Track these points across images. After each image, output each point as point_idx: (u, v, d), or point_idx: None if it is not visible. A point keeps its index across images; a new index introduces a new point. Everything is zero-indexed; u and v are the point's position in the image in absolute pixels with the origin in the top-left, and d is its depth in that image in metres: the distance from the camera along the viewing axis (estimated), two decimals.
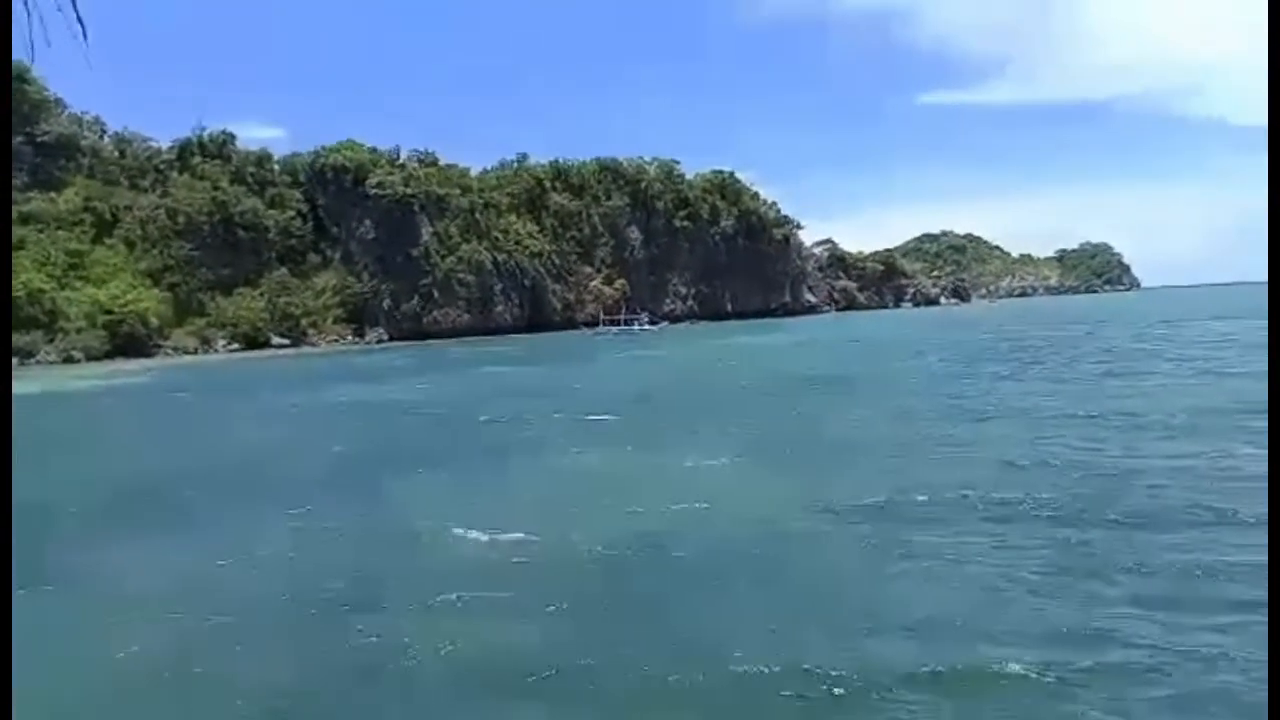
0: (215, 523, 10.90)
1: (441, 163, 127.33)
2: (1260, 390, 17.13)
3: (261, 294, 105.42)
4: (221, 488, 13.63)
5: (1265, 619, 5.74)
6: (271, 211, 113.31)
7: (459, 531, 9.37)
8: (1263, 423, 13.04)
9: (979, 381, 23.27)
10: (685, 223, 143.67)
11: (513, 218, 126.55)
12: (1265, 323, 44.04)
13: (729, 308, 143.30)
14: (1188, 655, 5.62)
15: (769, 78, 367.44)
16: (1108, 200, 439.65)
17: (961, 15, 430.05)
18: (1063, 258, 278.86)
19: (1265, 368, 21.35)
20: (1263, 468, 10.28)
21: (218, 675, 5.94)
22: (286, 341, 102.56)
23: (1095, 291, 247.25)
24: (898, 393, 21.92)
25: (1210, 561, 7.16)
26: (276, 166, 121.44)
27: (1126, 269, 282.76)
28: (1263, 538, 7.45)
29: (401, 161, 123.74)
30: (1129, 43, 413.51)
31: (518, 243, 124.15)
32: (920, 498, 9.94)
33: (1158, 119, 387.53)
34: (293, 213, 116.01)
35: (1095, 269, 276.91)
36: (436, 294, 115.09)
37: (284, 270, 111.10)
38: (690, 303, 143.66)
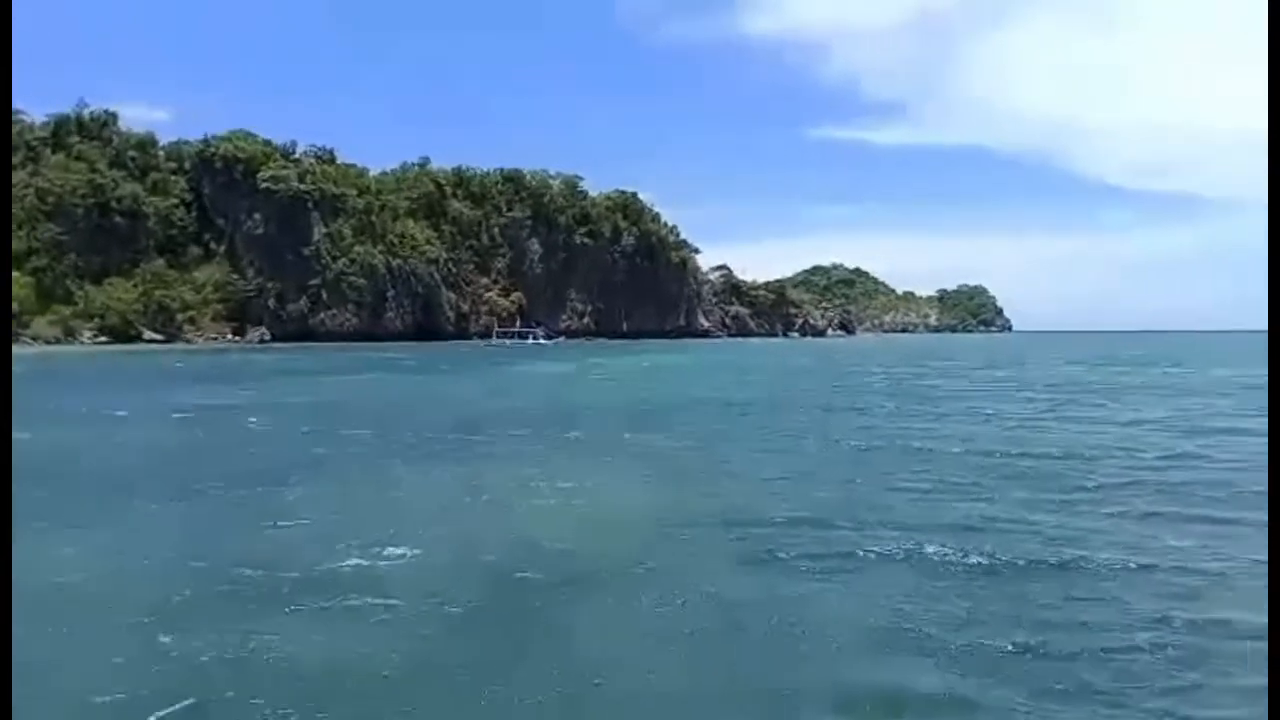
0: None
1: (339, 161, 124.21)
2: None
3: (135, 285, 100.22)
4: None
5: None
6: (152, 198, 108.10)
7: (295, 552, 9.14)
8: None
9: (869, 412, 24.19)
10: (586, 239, 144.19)
11: (410, 222, 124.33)
12: (1096, 369, 47.48)
13: (624, 327, 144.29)
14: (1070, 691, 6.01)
15: (674, 101, 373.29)
16: (986, 245, 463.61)
17: (865, 56, 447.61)
18: (943, 297, 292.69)
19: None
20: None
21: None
22: (159, 337, 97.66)
23: (971, 331, 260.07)
24: (793, 418, 22.57)
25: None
26: (161, 152, 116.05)
27: (1000, 311, 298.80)
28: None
29: (297, 156, 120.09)
30: (1017, 97, 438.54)
31: (414, 248, 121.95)
32: (796, 515, 10.26)
33: (1038, 171, 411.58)
34: (175, 201, 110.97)
35: (972, 310, 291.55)
36: (325, 295, 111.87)
37: (162, 261, 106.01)
38: (586, 320, 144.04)
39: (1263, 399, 29.42)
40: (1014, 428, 21.31)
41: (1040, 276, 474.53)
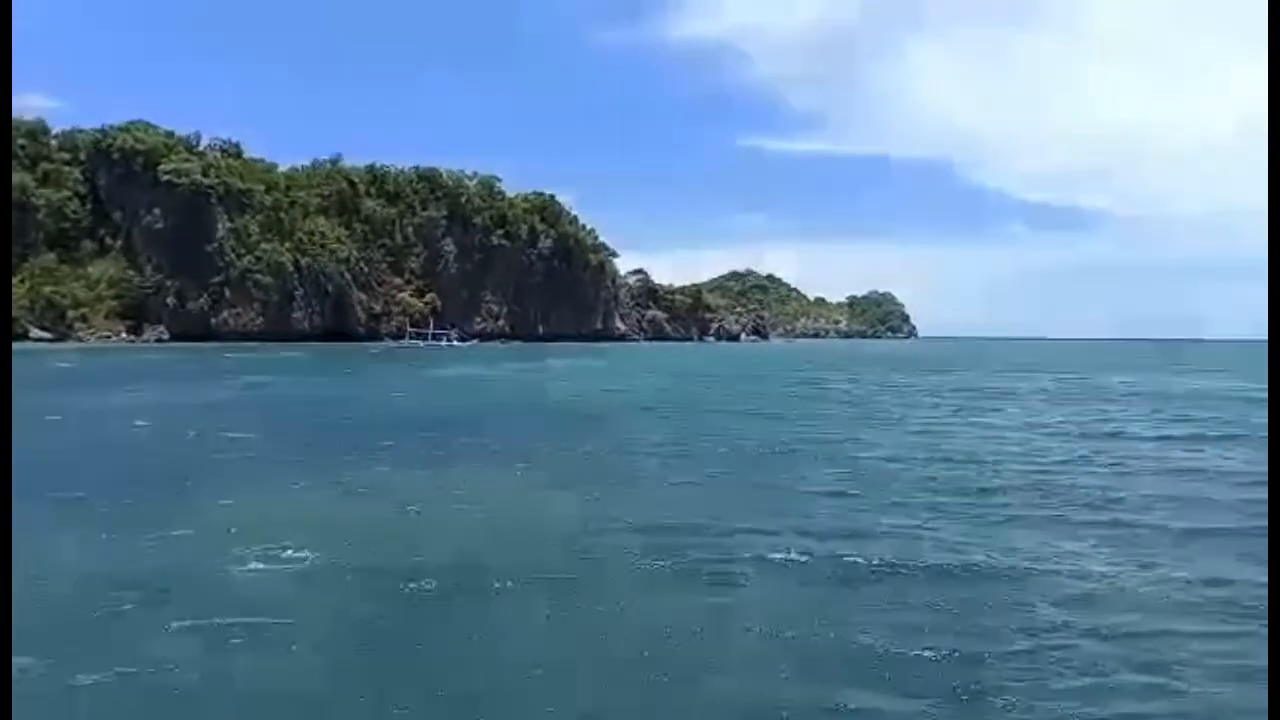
0: None
1: (246, 155, 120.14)
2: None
3: (23, 281, 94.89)
4: None
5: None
6: (43, 190, 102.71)
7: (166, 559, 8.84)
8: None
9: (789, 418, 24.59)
10: (503, 241, 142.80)
11: (321, 220, 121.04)
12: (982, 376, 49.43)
13: (540, 330, 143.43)
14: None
15: (594, 103, 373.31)
16: (894, 253, 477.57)
17: (786, 65, 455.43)
18: (853, 304, 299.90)
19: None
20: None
21: None
22: (48, 335, 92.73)
23: (879, 337, 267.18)
24: (703, 422, 22.76)
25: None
26: (53, 141, 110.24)
27: (906, 318, 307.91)
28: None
29: (201, 149, 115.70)
30: (925, 109, 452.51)
31: (324, 246, 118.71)
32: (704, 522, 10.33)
33: (943, 182, 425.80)
34: (68, 193, 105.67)
35: (880, 316, 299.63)
36: (228, 294, 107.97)
37: (52, 256, 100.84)
38: (502, 322, 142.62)
39: (1149, 405, 31.03)
40: (918, 432, 21.96)
41: (944, 285, 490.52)
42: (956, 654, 6.73)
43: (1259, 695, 6.01)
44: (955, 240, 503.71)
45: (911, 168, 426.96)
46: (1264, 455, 17.90)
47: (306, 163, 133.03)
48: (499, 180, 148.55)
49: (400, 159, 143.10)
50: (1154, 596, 8.20)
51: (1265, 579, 8.63)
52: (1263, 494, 13.47)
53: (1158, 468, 16.45)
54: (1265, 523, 11.19)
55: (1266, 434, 21.66)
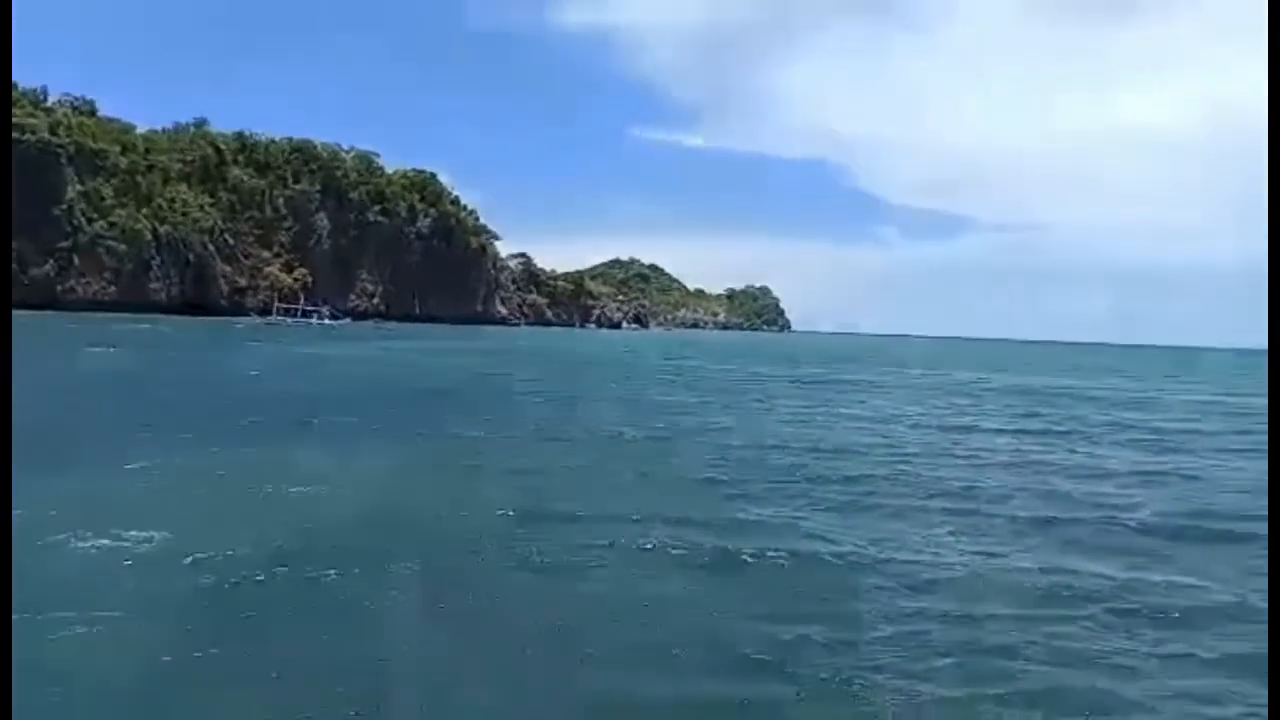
0: None
1: (100, 114, 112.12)
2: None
3: None
4: None
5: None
6: None
7: None
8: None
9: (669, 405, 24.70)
10: (380, 218, 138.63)
11: (183, 187, 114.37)
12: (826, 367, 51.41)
13: (418, 310, 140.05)
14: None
15: (480, 84, 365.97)
16: (773, 249, 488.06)
17: (673, 58, 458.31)
18: (732, 296, 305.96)
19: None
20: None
21: None
22: None
23: (756, 330, 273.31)
24: (576, 409, 22.60)
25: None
26: None
27: (782, 313, 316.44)
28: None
29: (49, 105, 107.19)
30: (811, 110, 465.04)
31: (185, 214, 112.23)
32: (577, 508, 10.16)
33: (824, 182, 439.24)
34: None
35: (757, 310, 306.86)
36: (77, 260, 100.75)
37: None
38: (377, 301, 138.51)
39: (1005, 400, 32.70)
40: (786, 421, 22.39)
41: (818, 282, 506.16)
42: (820, 640, 6.74)
43: (1094, 677, 6.27)
44: (831, 240, 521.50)
45: (792, 167, 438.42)
46: (1103, 450, 19.06)
47: (168, 126, 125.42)
48: (377, 156, 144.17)
49: (272, 130, 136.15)
50: (1007, 583, 8.46)
51: (1107, 569, 9.08)
52: (1104, 486, 14.30)
53: (1009, 460, 17.19)
54: (1110, 514, 11.84)
55: (1108, 430, 23.11)
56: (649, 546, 9.17)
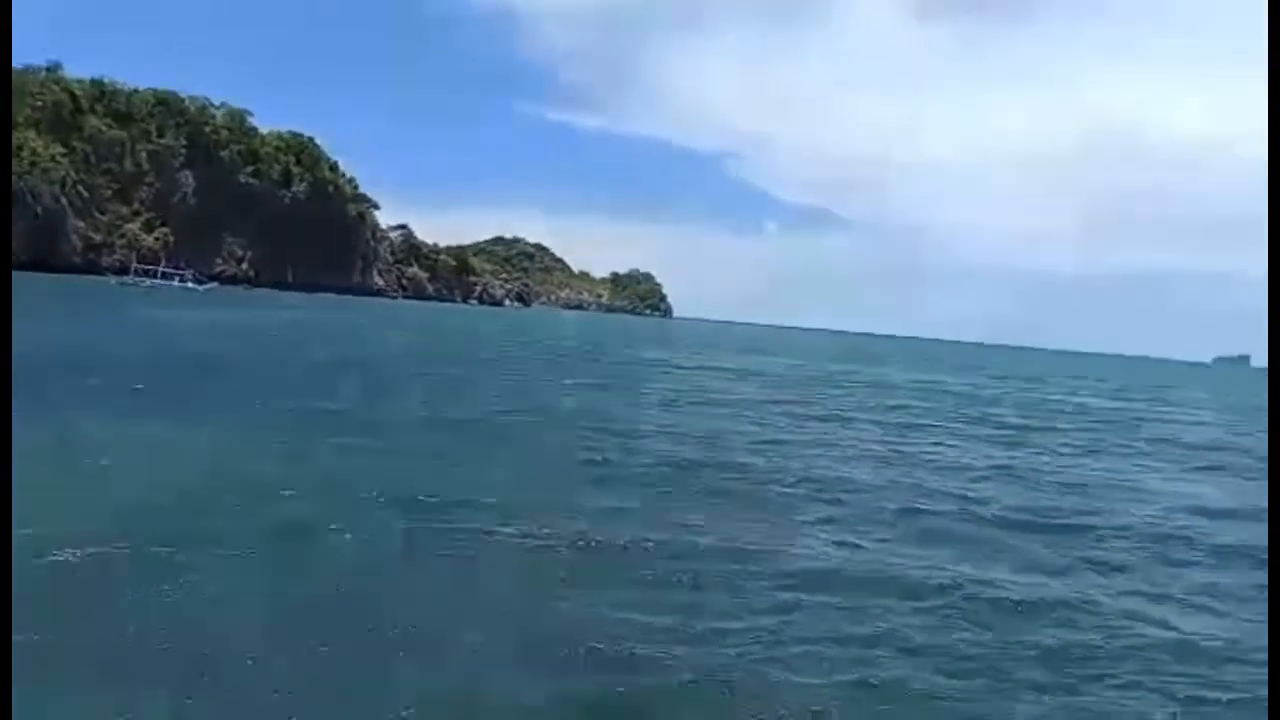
0: None
1: None
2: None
3: None
4: None
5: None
6: None
7: None
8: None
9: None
10: (251, 179, 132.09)
11: (31, 134, 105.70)
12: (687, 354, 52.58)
13: (290, 278, 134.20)
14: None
15: (365, 54, 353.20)
16: (660, 236, 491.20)
17: (572, 39, 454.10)
18: (615, 280, 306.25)
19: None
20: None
21: None
22: None
23: (639, 314, 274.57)
24: (433, 387, 22.10)
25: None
26: None
27: (664, 298, 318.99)
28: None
29: None
30: (707, 101, 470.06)
31: (34, 164, 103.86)
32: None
33: (715, 172, 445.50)
34: None
35: (640, 294, 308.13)
36: None
37: None
38: (246, 266, 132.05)
39: (870, 394, 33.93)
40: (657, 405, 22.58)
41: (703, 271, 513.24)
42: (677, 631, 6.77)
43: (941, 667, 6.53)
44: (717, 230, 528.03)
45: (683, 156, 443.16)
46: (965, 443, 20.01)
47: (17, 67, 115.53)
48: (250, 115, 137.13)
49: (135, 80, 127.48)
50: (867, 574, 8.71)
51: (958, 561, 9.49)
52: (957, 480, 14.98)
53: (870, 452, 17.77)
54: (962, 507, 12.40)
55: (978, 424, 24.28)
56: (508, 534, 9.00)
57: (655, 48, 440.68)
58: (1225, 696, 6.32)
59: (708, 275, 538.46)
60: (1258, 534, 12.11)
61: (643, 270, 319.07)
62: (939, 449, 18.90)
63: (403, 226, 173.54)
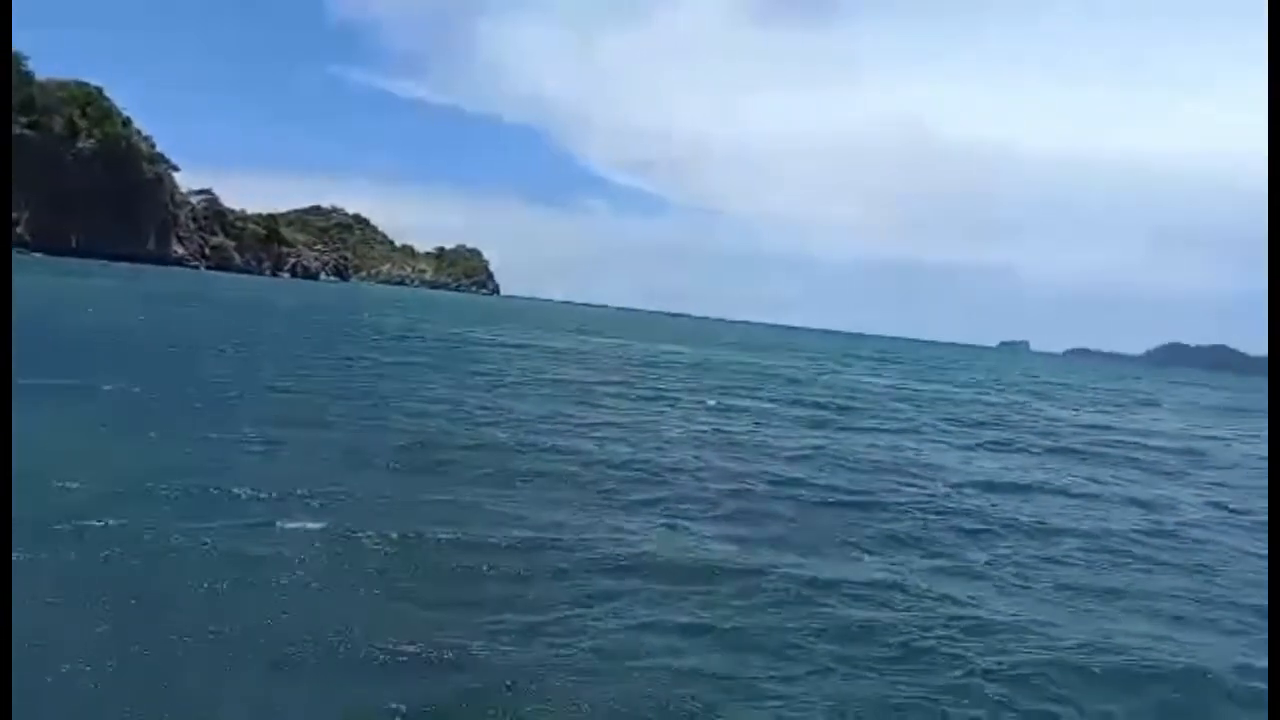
0: None
1: None
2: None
3: None
4: None
5: None
6: None
7: None
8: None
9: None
10: (27, 131, 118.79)
11: None
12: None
13: (74, 244, 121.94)
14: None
15: (169, 6, 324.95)
16: (486, 211, 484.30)
17: (393, 5, 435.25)
18: (441, 255, 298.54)
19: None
20: None
21: None
22: None
23: (464, 291, 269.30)
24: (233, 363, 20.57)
25: None
26: None
27: (491, 275, 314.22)
28: None
29: None
30: (536, 77, 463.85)
31: None
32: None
33: (542, 149, 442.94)
34: None
35: (466, 271, 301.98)
36: None
37: None
38: (21, 230, 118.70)
39: (689, 373, 34.69)
40: (464, 384, 22.09)
41: (531, 248, 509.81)
42: (490, 629, 6.55)
43: (750, 649, 6.61)
44: (544, 207, 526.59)
45: (511, 131, 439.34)
46: (778, 425, 20.74)
47: None
48: (26, 59, 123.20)
49: None
50: (682, 560, 8.76)
51: (778, 546, 9.73)
52: (775, 462, 15.46)
53: (686, 434, 18.05)
54: (779, 488, 12.76)
55: (787, 405, 25.20)
56: (309, 530, 8.39)
57: (485, 19, 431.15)
58: (1009, 668, 6.74)
59: (537, 253, 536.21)
60: (1038, 506, 13.23)
61: (469, 246, 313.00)
62: (755, 429, 19.47)
63: (206, 191, 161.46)
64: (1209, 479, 19.24)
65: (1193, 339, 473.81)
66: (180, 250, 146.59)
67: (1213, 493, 17.05)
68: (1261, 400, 65.63)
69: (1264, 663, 7.21)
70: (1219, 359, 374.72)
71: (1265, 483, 19.23)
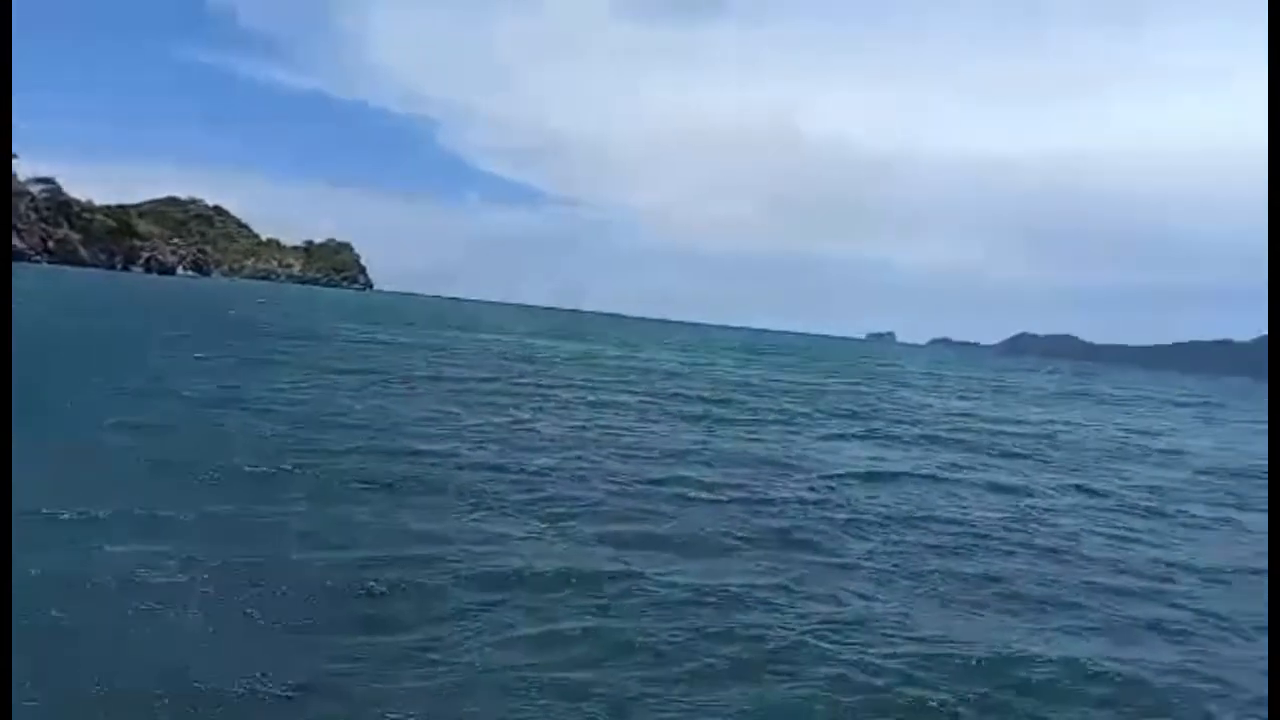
0: None
1: None
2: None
3: None
4: None
5: None
6: None
7: None
8: None
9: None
10: None
11: None
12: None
13: None
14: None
15: None
16: (356, 203, 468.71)
17: None
18: (309, 249, 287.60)
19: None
20: None
21: None
22: None
23: (335, 286, 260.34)
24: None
25: None
26: None
27: (364, 270, 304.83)
28: None
29: None
30: (402, 64, 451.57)
31: None
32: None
33: (416, 139, 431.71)
34: None
35: (336, 265, 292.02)
36: None
37: None
38: None
39: (575, 369, 34.39)
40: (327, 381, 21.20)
41: (405, 241, 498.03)
42: (353, 653, 6.12)
43: (628, 659, 6.39)
44: (418, 200, 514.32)
45: (384, 119, 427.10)
46: (655, 421, 20.68)
47: None
48: None
49: None
50: (563, 568, 8.45)
51: (656, 551, 9.54)
52: (652, 461, 15.33)
53: (565, 432, 17.74)
54: (658, 488, 12.60)
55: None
56: (155, 550, 7.71)
57: (347, 5, 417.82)
58: (887, 662, 6.75)
59: (410, 246, 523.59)
60: (911, 495, 13.55)
61: (340, 240, 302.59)
62: (632, 427, 19.33)
63: (48, 180, 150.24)
64: (1066, 462, 20.29)
65: (1041, 329, 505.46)
66: (19, 244, 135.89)
67: (1070, 476, 17.97)
68: (1097, 385, 71.00)
69: (1118, 649, 7.50)
70: (1061, 347, 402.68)
71: (1118, 465, 20.53)
